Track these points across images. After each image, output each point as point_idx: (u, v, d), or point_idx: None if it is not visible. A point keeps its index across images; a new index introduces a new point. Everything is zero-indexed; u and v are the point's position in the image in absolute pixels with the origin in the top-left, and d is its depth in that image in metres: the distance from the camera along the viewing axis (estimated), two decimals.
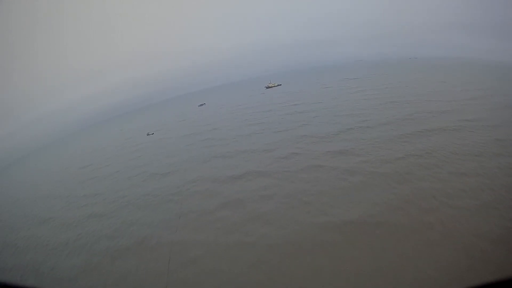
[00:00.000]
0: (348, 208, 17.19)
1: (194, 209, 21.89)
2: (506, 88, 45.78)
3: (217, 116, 76.85)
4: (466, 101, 38.73)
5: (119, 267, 17.05)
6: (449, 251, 12.37)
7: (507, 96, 39.35)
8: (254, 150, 33.70)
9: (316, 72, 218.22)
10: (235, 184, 24.97)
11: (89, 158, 64.91)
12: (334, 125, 37.30)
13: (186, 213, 21.44)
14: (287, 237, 15.66)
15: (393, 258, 12.62)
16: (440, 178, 18.68)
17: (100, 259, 18.59)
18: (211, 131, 54.09)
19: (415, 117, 34.05)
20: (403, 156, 23.07)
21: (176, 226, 19.74)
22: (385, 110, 39.98)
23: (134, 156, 49.89)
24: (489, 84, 50.95)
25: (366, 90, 64.27)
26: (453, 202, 15.84)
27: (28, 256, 22.20)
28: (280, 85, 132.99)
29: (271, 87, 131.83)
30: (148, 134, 73.96)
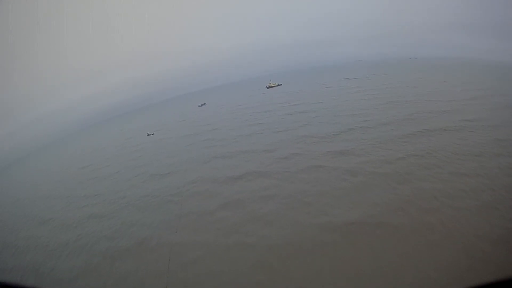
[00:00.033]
0: (349, 208, 17.17)
1: (194, 209, 21.88)
2: (506, 88, 45.78)
3: (217, 116, 76.85)
4: (466, 101, 38.72)
5: (119, 268, 17.03)
6: (449, 251, 12.36)
7: (507, 96, 39.35)
8: (254, 151, 33.68)
9: (316, 72, 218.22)
10: (235, 184, 24.94)
11: (89, 158, 64.90)
12: (334, 125, 37.29)
13: (186, 214, 21.42)
14: (288, 238, 15.64)
15: (394, 258, 12.61)
16: (441, 178, 18.66)
17: (100, 260, 18.58)
18: (211, 131, 54.08)
19: (415, 117, 34.04)
20: (404, 156, 23.05)
21: (176, 227, 19.71)
22: (386, 110, 39.96)
23: (134, 157, 49.88)
24: (489, 84, 50.94)
25: (366, 90, 64.28)
26: (454, 202, 15.83)
27: (28, 256, 22.19)
28: (281, 85, 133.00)
29: (271, 87, 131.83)
30: (148, 134, 73.95)
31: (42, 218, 30.59)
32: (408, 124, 31.73)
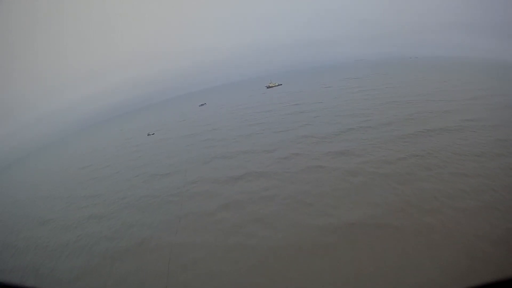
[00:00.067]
0: (349, 209, 17.13)
1: (194, 210, 21.85)
2: (506, 87, 45.70)
3: (217, 116, 76.83)
4: (467, 101, 38.66)
5: (119, 269, 17.00)
6: (450, 252, 12.33)
7: (508, 96, 39.30)
8: (255, 151, 33.65)
9: (316, 72, 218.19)
10: (236, 185, 24.91)
11: (89, 158, 64.89)
12: (335, 125, 37.25)
13: (186, 215, 21.40)
14: (288, 239, 15.60)
15: (394, 259, 12.56)
16: (441, 178, 18.62)
17: (100, 260, 18.56)
18: (211, 131, 54.06)
19: (416, 117, 34.00)
20: (404, 156, 23.00)
21: (176, 228, 19.69)
22: (386, 110, 39.91)
23: (134, 157, 49.87)
24: (490, 84, 50.87)
25: (366, 90, 64.23)
26: (454, 203, 15.79)
27: (28, 257, 22.16)
28: (281, 84, 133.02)
29: (271, 86, 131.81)
30: (148, 134, 73.93)
31: (42, 218, 30.55)
32: (409, 124, 31.69)
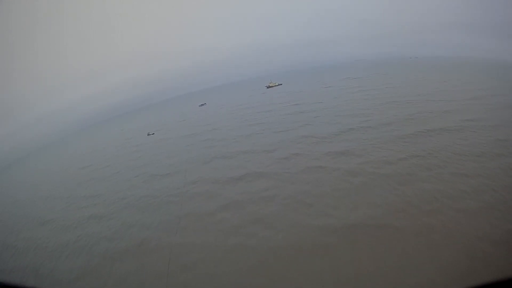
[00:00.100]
0: (349, 210, 17.09)
1: (194, 210, 21.81)
2: (507, 87, 45.62)
3: (217, 116, 76.83)
4: (467, 101, 38.62)
5: (119, 269, 16.97)
6: (450, 252, 12.29)
7: (508, 95, 39.25)
8: (255, 151, 33.62)
9: (316, 72, 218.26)
10: (236, 185, 24.88)
11: (89, 158, 64.89)
12: (335, 125, 37.23)
13: (186, 215, 21.36)
14: (288, 240, 15.57)
15: (394, 260, 12.54)
16: (442, 179, 18.58)
17: (99, 260, 18.53)
18: (211, 131, 54.05)
19: (416, 117, 33.97)
20: (405, 157, 22.96)
21: (176, 228, 19.65)
22: (386, 110, 39.89)
23: (135, 157, 49.85)
24: (490, 84, 50.82)
25: (366, 89, 64.21)
26: (455, 203, 15.75)
27: (28, 257, 22.13)
28: (281, 84, 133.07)
29: (271, 86, 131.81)
30: (148, 134, 73.93)
31: (42, 218, 30.52)
32: (409, 124, 31.65)
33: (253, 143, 37.53)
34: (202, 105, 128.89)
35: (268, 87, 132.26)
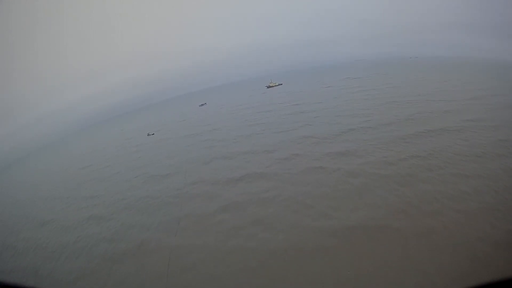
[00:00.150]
0: (350, 211, 17.03)
1: (194, 212, 21.76)
2: (507, 87, 45.48)
3: (217, 116, 76.79)
4: (467, 101, 38.54)
5: (118, 270, 16.95)
6: (451, 254, 12.24)
7: (508, 95, 39.13)
8: (255, 151, 33.57)
9: (316, 72, 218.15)
10: (236, 186, 24.82)
11: (89, 158, 64.83)
12: (335, 125, 37.18)
13: (186, 216, 21.31)
14: (288, 241, 15.51)
15: (395, 261, 12.48)
16: (443, 180, 18.52)
17: (99, 261, 18.49)
18: (211, 132, 54.01)
19: (416, 117, 33.91)
20: (405, 157, 22.90)
21: (176, 229, 19.61)
22: (387, 110, 39.83)
23: (135, 157, 49.81)
24: (490, 84, 50.72)
25: (367, 89, 64.15)
26: (456, 204, 15.69)
27: (28, 258, 22.10)
28: (281, 84, 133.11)
29: (272, 86, 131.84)
30: (148, 135, 73.84)
31: (42, 219, 30.48)
32: (409, 124, 31.59)
33: (253, 143, 37.47)
34: (202, 105, 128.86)
35: (268, 87, 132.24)
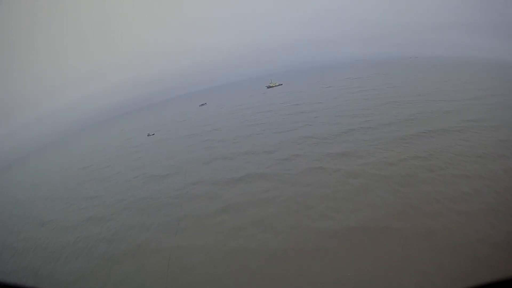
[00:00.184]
0: (350, 212, 16.97)
1: (194, 212, 21.69)
2: (507, 87, 45.40)
3: (217, 116, 76.74)
4: (468, 101, 38.48)
5: (118, 271, 16.91)
6: (452, 256, 12.19)
7: (509, 96, 39.05)
8: (255, 152, 33.52)
9: (316, 72, 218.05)
10: (236, 186, 24.77)
11: (89, 158, 64.76)
12: (335, 125, 37.13)
13: (186, 217, 21.26)
14: (288, 242, 15.45)
15: (396, 263, 12.44)
16: (443, 180, 18.46)
17: (98, 262, 18.44)
18: (211, 132, 53.97)
19: (416, 117, 33.85)
20: (406, 158, 22.84)
21: (176, 230, 19.56)
22: (387, 111, 39.78)
23: (135, 157, 49.76)
24: (491, 84, 50.66)
25: (367, 90, 64.11)
26: (457, 205, 15.64)
27: (27, 258, 22.07)
28: (281, 84, 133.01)
29: (272, 86, 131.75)
30: (148, 135, 73.76)
31: (41, 219, 30.44)
32: (410, 124, 31.54)
33: (253, 143, 37.42)
34: (202, 105, 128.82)
35: (269, 87, 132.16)
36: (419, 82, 65.52)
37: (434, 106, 38.29)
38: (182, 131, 65.85)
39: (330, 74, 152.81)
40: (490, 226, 13.52)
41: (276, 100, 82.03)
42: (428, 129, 28.57)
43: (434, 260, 12.05)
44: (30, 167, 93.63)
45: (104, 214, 26.55)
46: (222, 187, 25.38)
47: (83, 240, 22.39)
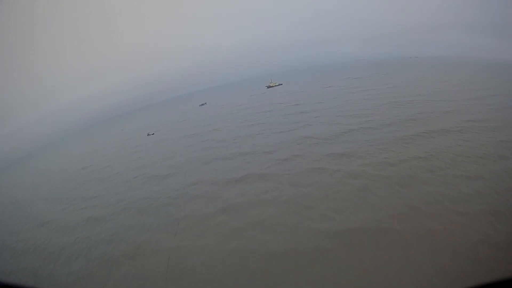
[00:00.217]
0: (351, 213, 16.91)
1: (194, 213, 21.63)
2: (507, 87, 45.32)
3: (217, 116, 76.70)
4: (468, 101, 38.38)
5: (117, 272, 16.88)
6: (453, 257, 12.14)
7: (509, 96, 38.96)
8: (255, 152, 33.46)
9: (316, 72, 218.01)
10: (236, 187, 24.70)
11: (89, 158, 64.76)
12: (335, 126, 37.06)
13: (186, 217, 21.21)
14: (288, 244, 15.39)
15: (396, 264, 12.39)
16: (444, 181, 18.37)
17: (98, 263, 18.40)
18: (211, 132, 53.92)
19: (417, 117, 33.75)
20: (406, 158, 22.75)
21: (176, 230, 19.52)
22: (387, 111, 39.70)
23: (134, 157, 49.73)
24: (491, 84, 50.57)
25: (367, 90, 64.02)
26: (457, 206, 15.56)
27: (27, 259, 22.06)
28: (281, 84, 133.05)
29: (272, 86, 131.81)
30: (148, 135, 73.77)
31: (41, 219, 30.43)
32: (410, 124, 31.44)
33: (253, 144, 37.37)
34: (202, 104, 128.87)
35: (269, 87, 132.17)
36: (419, 82, 65.41)
37: (435, 106, 38.20)
38: (182, 131, 65.81)
39: (330, 74, 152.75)
40: (490, 227, 13.47)
41: (276, 100, 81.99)
42: (428, 129, 28.48)
43: (434, 261, 12.00)
44: (30, 167, 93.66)
45: (104, 214, 26.51)
46: (222, 187, 25.33)
47: (82, 240, 22.36)
